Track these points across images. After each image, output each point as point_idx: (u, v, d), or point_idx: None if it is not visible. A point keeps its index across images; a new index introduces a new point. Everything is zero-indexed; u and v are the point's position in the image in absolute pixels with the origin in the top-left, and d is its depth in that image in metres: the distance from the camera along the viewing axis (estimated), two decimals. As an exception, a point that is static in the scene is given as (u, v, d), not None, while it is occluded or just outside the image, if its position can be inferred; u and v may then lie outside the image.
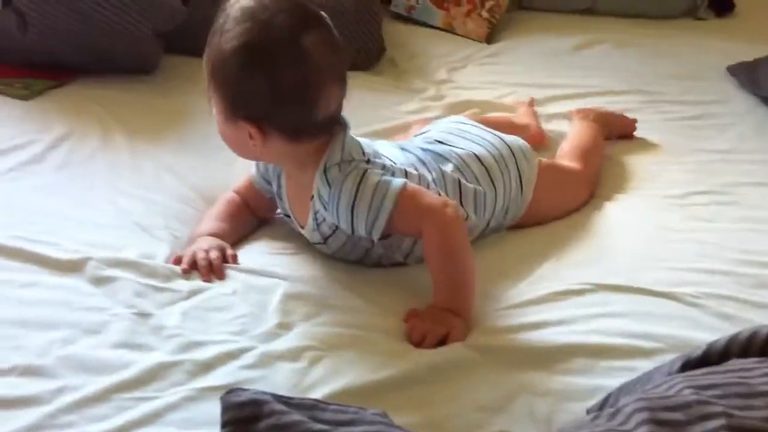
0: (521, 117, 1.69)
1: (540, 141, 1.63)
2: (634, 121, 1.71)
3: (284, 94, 1.14)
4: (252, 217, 1.33)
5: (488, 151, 1.37)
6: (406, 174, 1.24)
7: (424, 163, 1.31)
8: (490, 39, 2.14)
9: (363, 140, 1.26)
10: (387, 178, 1.19)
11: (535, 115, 1.71)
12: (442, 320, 1.12)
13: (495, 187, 1.34)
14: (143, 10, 1.71)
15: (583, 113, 1.67)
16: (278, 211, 1.33)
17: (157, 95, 1.70)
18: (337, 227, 1.22)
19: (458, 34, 2.15)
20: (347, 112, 1.54)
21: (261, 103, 1.15)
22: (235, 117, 1.18)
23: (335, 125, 1.21)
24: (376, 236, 1.19)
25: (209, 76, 1.19)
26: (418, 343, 1.10)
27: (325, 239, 1.24)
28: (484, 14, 2.16)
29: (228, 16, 1.16)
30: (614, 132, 1.67)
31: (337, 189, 1.18)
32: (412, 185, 1.20)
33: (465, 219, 1.25)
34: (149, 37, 1.75)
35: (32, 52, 1.72)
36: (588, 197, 1.49)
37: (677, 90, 1.90)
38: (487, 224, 1.34)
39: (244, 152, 1.24)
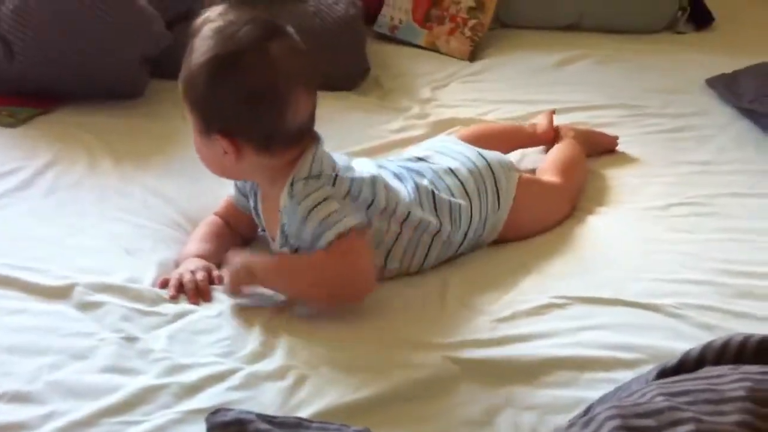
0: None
1: (550, 138, 1.67)
2: (615, 138, 1.73)
3: (252, 101, 1.17)
4: (235, 237, 1.35)
5: (464, 165, 1.39)
6: (374, 183, 1.25)
7: (398, 177, 1.33)
8: (473, 57, 2.16)
9: (337, 155, 1.28)
10: (342, 212, 1.20)
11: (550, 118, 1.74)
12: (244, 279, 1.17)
13: (470, 200, 1.36)
14: (129, 35, 1.73)
15: (564, 130, 1.69)
16: (260, 230, 1.35)
17: (144, 120, 1.72)
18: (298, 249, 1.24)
19: (442, 53, 2.17)
20: (333, 132, 1.56)
21: (231, 114, 1.18)
22: (209, 132, 1.21)
23: (307, 138, 1.23)
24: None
25: (183, 95, 1.22)
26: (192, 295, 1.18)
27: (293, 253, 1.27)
28: (467, 32, 2.19)
29: (198, 35, 1.20)
30: (595, 149, 1.69)
31: (296, 202, 1.20)
32: (360, 231, 1.20)
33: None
34: (135, 62, 1.76)
35: (18, 80, 1.73)
36: (569, 211, 1.50)
37: (659, 103, 1.92)
38: (465, 235, 1.36)
39: (219, 169, 1.27)
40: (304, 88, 1.20)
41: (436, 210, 1.32)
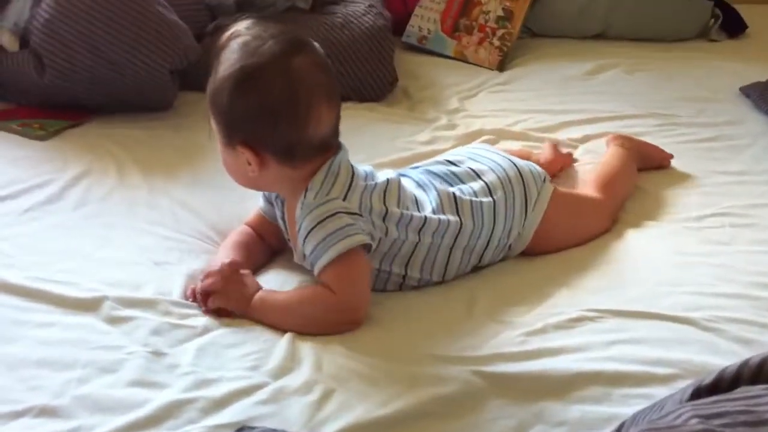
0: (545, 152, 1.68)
1: (556, 168, 1.62)
2: (670, 155, 1.66)
3: (276, 112, 1.19)
4: (264, 247, 1.35)
5: (493, 170, 1.38)
6: (386, 191, 1.25)
7: (421, 186, 1.33)
8: (502, 66, 2.15)
9: (363, 166, 1.28)
10: (351, 227, 1.20)
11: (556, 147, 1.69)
12: (238, 299, 1.19)
13: (495, 202, 1.34)
14: (158, 48, 1.74)
15: (620, 140, 1.65)
16: (287, 239, 1.35)
17: (173, 132, 1.73)
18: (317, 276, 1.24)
19: (470, 63, 2.16)
20: (361, 143, 1.56)
21: (252, 125, 1.20)
22: (233, 143, 1.22)
23: (330, 150, 1.24)
24: (315, 270, 1.21)
25: (209, 107, 1.24)
26: (203, 296, 1.19)
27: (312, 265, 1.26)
28: (496, 42, 2.17)
29: (225, 49, 1.22)
30: (649, 163, 1.64)
31: (305, 213, 1.21)
32: (356, 256, 1.20)
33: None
34: (165, 75, 1.77)
35: (49, 93, 1.75)
36: (607, 227, 1.46)
37: (691, 112, 1.89)
38: (488, 241, 1.33)
39: (244, 180, 1.28)
40: (326, 102, 1.21)
41: (457, 210, 1.31)
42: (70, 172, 1.56)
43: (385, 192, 1.26)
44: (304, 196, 1.22)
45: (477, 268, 1.35)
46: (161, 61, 1.75)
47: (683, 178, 1.65)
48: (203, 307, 1.21)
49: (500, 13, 2.20)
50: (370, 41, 1.95)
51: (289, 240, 1.32)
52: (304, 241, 1.22)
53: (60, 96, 1.75)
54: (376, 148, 1.67)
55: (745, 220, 1.49)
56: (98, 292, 1.22)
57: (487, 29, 2.19)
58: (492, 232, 1.34)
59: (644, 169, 1.63)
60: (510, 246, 1.37)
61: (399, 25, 2.18)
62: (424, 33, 2.22)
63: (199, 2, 1.94)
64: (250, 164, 1.22)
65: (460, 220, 1.30)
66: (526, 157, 1.58)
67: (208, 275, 1.22)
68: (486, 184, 1.36)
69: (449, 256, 1.30)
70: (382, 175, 1.30)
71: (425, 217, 1.27)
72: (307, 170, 1.22)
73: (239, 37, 1.22)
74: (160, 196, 1.51)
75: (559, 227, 1.40)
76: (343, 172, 1.23)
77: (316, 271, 1.22)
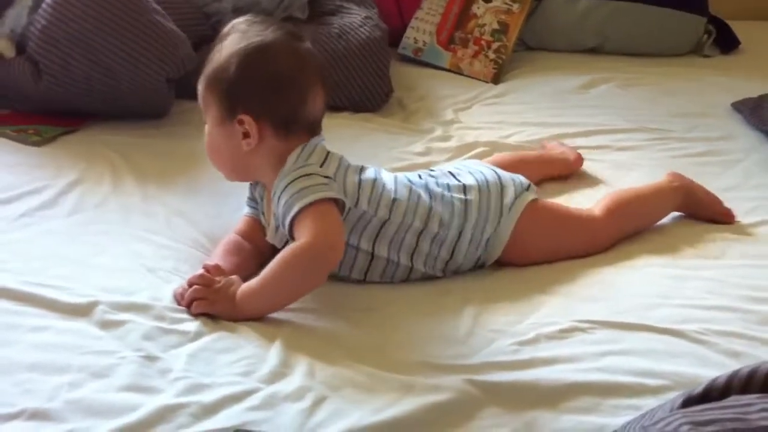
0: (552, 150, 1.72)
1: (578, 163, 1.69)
2: (729, 211, 1.54)
3: (281, 81, 1.27)
4: (254, 251, 1.36)
5: (470, 173, 1.42)
6: (361, 170, 1.32)
7: (395, 180, 1.37)
8: (497, 79, 2.16)
9: (336, 153, 1.33)
10: (324, 186, 1.24)
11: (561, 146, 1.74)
12: (221, 302, 1.20)
13: (468, 201, 1.36)
14: (155, 56, 1.74)
15: (674, 177, 1.56)
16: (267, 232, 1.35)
17: (168, 140, 1.73)
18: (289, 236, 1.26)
19: (465, 75, 2.17)
20: (356, 152, 1.56)
21: (261, 92, 1.27)
22: (234, 114, 1.28)
23: (315, 133, 1.31)
24: (286, 226, 1.24)
25: (206, 90, 1.30)
26: (186, 304, 1.20)
27: (284, 244, 1.29)
28: (491, 55, 2.19)
29: (225, 39, 1.31)
30: (702, 213, 1.53)
31: (282, 176, 1.26)
32: (328, 205, 1.23)
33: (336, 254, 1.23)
34: (161, 82, 1.78)
35: (45, 99, 1.75)
36: (597, 248, 1.42)
37: (684, 127, 1.91)
38: (459, 236, 1.33)
39: (233, 161, 1.32)
40: (321, 86, 1.31)
41: (429, 195, 1.35)
42: (64, 178, 1.56)
43: (360, 169, 1.33)
44: (283, 167, 1.27)
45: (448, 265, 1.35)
46: (158, 69, 1.75)
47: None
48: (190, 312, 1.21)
49: (496, 26, 2.22)
50: (366, 52, 1.96)
51: (266, 225, 1.34)
52: (278, 200, 1.25)
53: (56, 102, 1.76)
54: (371, 158, 1.67)
55: (737, 234, 1.51)
56: (91, 297, 1.22)
57: (483, 42, 2.20)
58: (463, 227, 1.34)
59: (696, 217, 1.52)
60: (485, 246, 1.36)
61: (395, 36, 2.19)
62: (420, 45, 2.24)
63: (197, 11, 1.95)
64: (247, 137, 1.27)
65: (431, 203, 1.33)
66: (535, 157, 1.65)
67: (190, 282, 1.23)
68: (463, 184, 1.39)
69: (417, 241, 1.32)
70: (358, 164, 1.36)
71: (394, 198, 1.32)
72: (291, 147, 1.28)
73: (241, 27, 1.30)
74: (154, 203, 1.51)
75: (535, 237, 1.38)
76: (320, 149, 1.30)
77: (286, 226, 1.23)
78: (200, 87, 1.32)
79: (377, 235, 1.31)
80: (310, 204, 1.22)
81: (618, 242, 1.45)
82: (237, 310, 1.21)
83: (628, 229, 1.47)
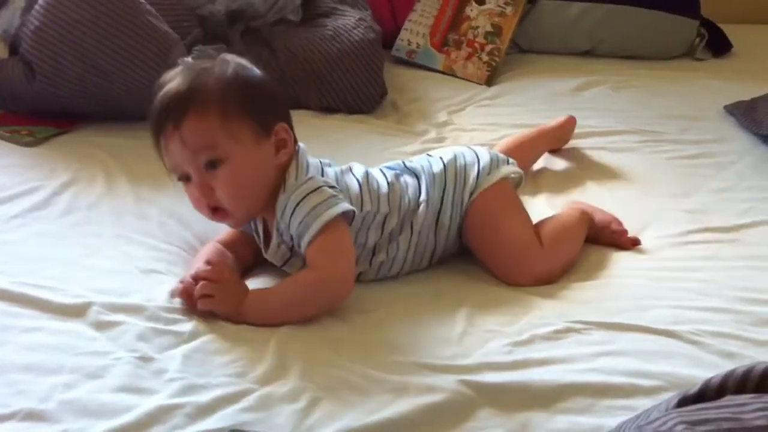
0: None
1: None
2: (624, 231, 1.48)
3: (274, 89, 1.31)
4: (235, 263, 1.33)
5: (450, 148, 1.47)
6: (359, 187, 1.32)
7: (382, 172, 1.39)
8: (490, 81, 2.16)
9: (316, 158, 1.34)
10: (334, 198, 1.25)
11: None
12: (228, 301, 1.19)
13: (446, 166, 1.39)
14: (148, 58, 1.74)
15: (576, 204, 1.53)
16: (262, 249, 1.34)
17: (162, 141, 1.73)
18: (292, 250, 1.27)
19: (459, 77, 2.18)
20: (349, 154, 1.57)
21: (273, 98, 1.29)
22: (269, 127, 1.26)
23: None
24: (303, 245, 1.24)
25: (228, 119, 1.22)
26: (192, 303, 1.19)
27: (285, 262, 1.29)
28: (485, 57, 2.19)
29: (181, 80, 1.27)
30: (601, 236, 1.46)
31: (290, 193, 1.25)
32: (342, 225, 1.24)
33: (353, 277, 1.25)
34: (154, 84, 1.77)
35: (38, 100, 1.75)
36: (533, 272, 1.34)
37: (676, 129, 1.91)
38: (441, 202, 1.36)
39: (267, 182, 1.26)
40: None
41: (414, 175, 1.39)
42: (57, 179, 1.56)
43: (350, 169, 1.36)
44: (285, 182, 1.26)
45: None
46: (151, 70, 1.75)
47: (667, 194, 1.66)
48: (193, 308, 1.20)
49: (489, 28, 2.22)
50: (359, 54, 1.97)
51: (261, 243, 1.32)
52: (290, 220, 1.24)
53: (49, 103, 1.75)
54: (365, 159, 1.66)
55: (729, 236, 1.51)
56: (85, 298, 1.22)
57: (476, 44, 2.21)
58: (444, 196, 1.36)
59: (597, 242, 1.46)
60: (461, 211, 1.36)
61: (388, 38, 2.19)
62: (413, 47, 2.24)
63: (190, 13, 1.95)
64: (283, 147, 1.26)
65: (418, 183, 1.37)
66: (533, 134, 1.71)
67: (198, 276, 1.21)
68: (440, 157, 1.41)
69: (412, 226, 1.34)
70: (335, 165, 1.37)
71: (389, 189, 1.34)
72: (289, 155, 1.28)
73: (186, 67, 1.29)
74: (147, 205, 1.51)
75: (489, 216, 1.36)
76: (309, 157, 1.31)
77: (303, 246, 1.24)
78: (210, 123, 1.21)
79: (382, 230, 1.31)
80: (326, 224, 1.21)
81: (558, 274, 1.37)
82: (241, 314, 1.20)
83: (564, 259, 1.39)
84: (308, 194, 1.23)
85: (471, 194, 1.38)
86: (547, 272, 1.35)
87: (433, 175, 1.38)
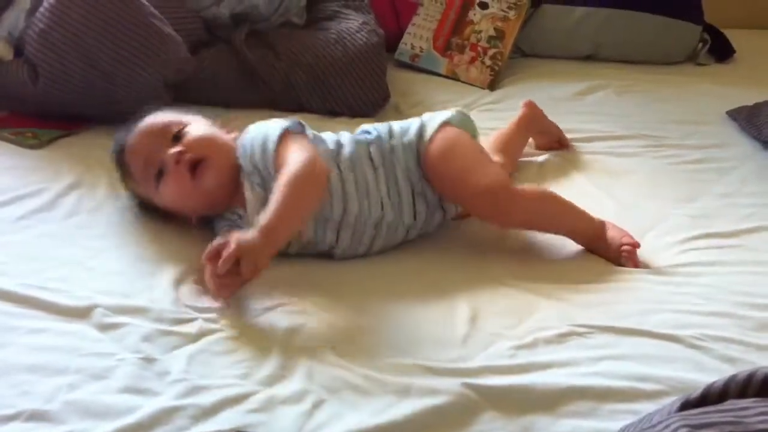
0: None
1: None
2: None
3: None
4: None
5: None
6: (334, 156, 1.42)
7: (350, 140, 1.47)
8: (493, 86, 2.17)
9: None
10: (280, 120, 1.40)
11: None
12: (257, 251, 1.20)
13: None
14: (153, 60, 1.75)
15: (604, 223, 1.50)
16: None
17: (165, 143, 1.73)
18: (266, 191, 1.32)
19: (462, 81, 2.18)
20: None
21: None
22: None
23: None
24: (269, 166, 1.34)
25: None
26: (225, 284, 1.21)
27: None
28: (487, 61, 2.20)
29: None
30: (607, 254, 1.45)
31: (244, 135, 1.42)
32: (298, 133, 1.40)
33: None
34: (158, 87, 1.78)
35: (43, 102, 1.75)
36: (498, 203, 1.41)
37: (678, 134, 1.92)
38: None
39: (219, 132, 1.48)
40: None
41: (378, 136, 1.47)
42: (62, 181, 1.56)
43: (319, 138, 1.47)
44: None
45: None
46: (155, 73, 1.76)
47: (670, 198, 1.66)
48: (239, 277, 1.20)
49: (492, 33, 2.23)
50: (363, 58, 1.97)
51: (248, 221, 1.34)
52: (250, 152, 1.37)
53: (53, 105, 1.76)
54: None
55: (732, 241, 1.51)
56: (89, 299, 1.22)
57: (479, 48, 2.21)
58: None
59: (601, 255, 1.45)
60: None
61: (392, 42, 2.20)
62: (417, 51, 2.24)
63: (194, 15, 1.95)
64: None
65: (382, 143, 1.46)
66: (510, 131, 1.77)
67: (219, 249, 1.20)
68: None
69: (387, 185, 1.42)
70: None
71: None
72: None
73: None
74: (151, 206, 1.51)
75: (445, 157, 1.43)
76: None
77: (269, 165, 1.34)
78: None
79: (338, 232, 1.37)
80: (280, 136, 1.35)
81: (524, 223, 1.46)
82: (271, 246, 1.21)
83: (532, 213, 1.44)
84: (257, 127, 1.41)
85: (421, 136, 1.45)
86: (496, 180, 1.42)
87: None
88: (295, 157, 1.31)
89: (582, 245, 1.47)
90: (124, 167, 1.44)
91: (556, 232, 1.47)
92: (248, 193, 1.35)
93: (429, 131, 1.46)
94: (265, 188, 1.33)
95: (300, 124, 1.43)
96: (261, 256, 1.20)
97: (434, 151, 1.44)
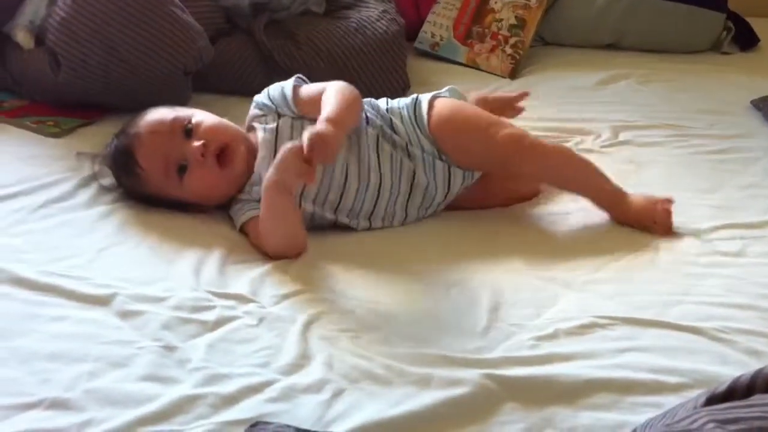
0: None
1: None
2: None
3: None
4: None
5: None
6: None
7: None
8: (514, 74, 2.15)
9: None
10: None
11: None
12: (328, 135, 1.29)
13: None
14: (173, 49, 1.75)
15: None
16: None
17: (185, 132, 1.73)
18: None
19: (482, 70, 2.17)
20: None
21: None
22: None
23: None
24: (290, 101, 1.45)
25: None
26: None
27: None
28: (508, 50, 2.18)
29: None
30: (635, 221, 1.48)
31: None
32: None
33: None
34: (179, 75, 1.78)
35: (64, 91, 1.76)
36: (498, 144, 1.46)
37: (702, 124, 1.89)
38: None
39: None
40: None
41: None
42: (83, 170, 1.57)
43: None
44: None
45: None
46: (175, 61, 1.76)
47: (694, 188, 1.64)
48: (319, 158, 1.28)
49: (513, 21, 2.21)
50: (383, 47, 1.96)
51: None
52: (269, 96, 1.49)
53: (74, 94, 1.76)
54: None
55: (756, 233, 1.49)
56: (110, 287, 1.23)
57: (500, 37, 2.19)
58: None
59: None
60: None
61: (412, 31, 2.19)
62: (437, 39, 2.23)
63: (214, 4, 1.95)
64: None
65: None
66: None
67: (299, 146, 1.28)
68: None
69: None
70: None
71: None
72: None
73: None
74: (171, 195, 1.51)
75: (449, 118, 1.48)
76: None
77: (291, 103, 1.46)
78: None
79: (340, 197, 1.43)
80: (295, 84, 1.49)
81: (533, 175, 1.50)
82: (340, 131, 1.31)
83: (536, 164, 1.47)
84: (267, 88, 1.50)
85: (417, 112, 1.49)
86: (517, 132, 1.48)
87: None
88: (329, 83, 1.43)
89: (601, 206, 1.48)
90: (128, 168, 1.44)
91: (577, 189, 1.50)
92: (261, 134, 1.44)
93: (424, 104, 1.50)
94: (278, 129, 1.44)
95: (302, 78, 1.51)
96: (334, 139, 1.29)
97: (440, 115, 1.48)
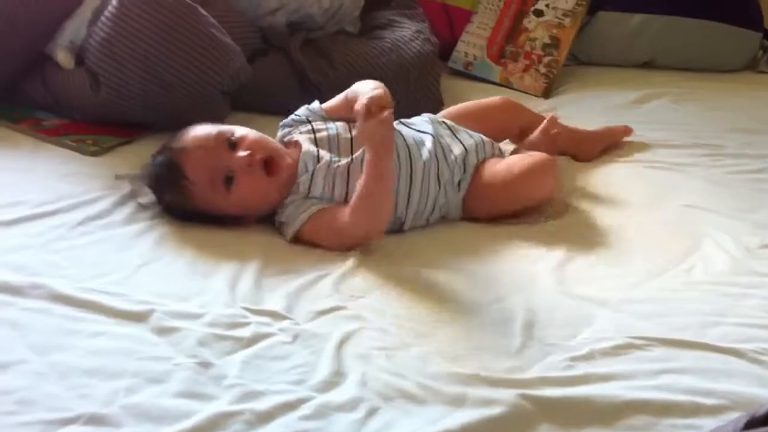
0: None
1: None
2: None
3: None
4: None
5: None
6: None
7: None
8: (547, 94, 2.15)
9: None
10: None
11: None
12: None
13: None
14: (210, 69, 1.77)
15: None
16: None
17: (222, 151, 1.75)
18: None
19: (515, 89, 2.17)
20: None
21: None
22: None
23: None
24: (316, 107, 1.61)
25: None
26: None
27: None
28: (542, 69, 2.18)
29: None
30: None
31: None
32: None
33: None
34: (216, 95, 1.80)
35: (103, 110, 1.78)
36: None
37: (738, 143, 1.88)
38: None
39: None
40: None
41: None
42: (120, 189, 1.58)
43: None
44: None
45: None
46: (213, 81, 1.78)
47: (730, 208, 1.63)
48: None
49: (547, 40, 2.21)
50: (417, 66, 1.97)
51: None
52: None
53: (113, 113, 1.79)
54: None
55: (795, 253, 1.47)
56: (147, 303, 1.24)
57: (533, 56, 2.19)
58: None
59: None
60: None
61: (445, 50, 2.19)
62: (470, 59, 2.24)
63: (251, 25, 1.97)
64: None
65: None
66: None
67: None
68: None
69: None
70: None
71: None
72: None
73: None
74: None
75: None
76: None
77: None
78: None
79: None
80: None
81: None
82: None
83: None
84: None
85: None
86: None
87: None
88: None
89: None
90: (173, 181, 1.46)
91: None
92: (299, 136, 1.54)
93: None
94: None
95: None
96: (387, 98, 1.42)
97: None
